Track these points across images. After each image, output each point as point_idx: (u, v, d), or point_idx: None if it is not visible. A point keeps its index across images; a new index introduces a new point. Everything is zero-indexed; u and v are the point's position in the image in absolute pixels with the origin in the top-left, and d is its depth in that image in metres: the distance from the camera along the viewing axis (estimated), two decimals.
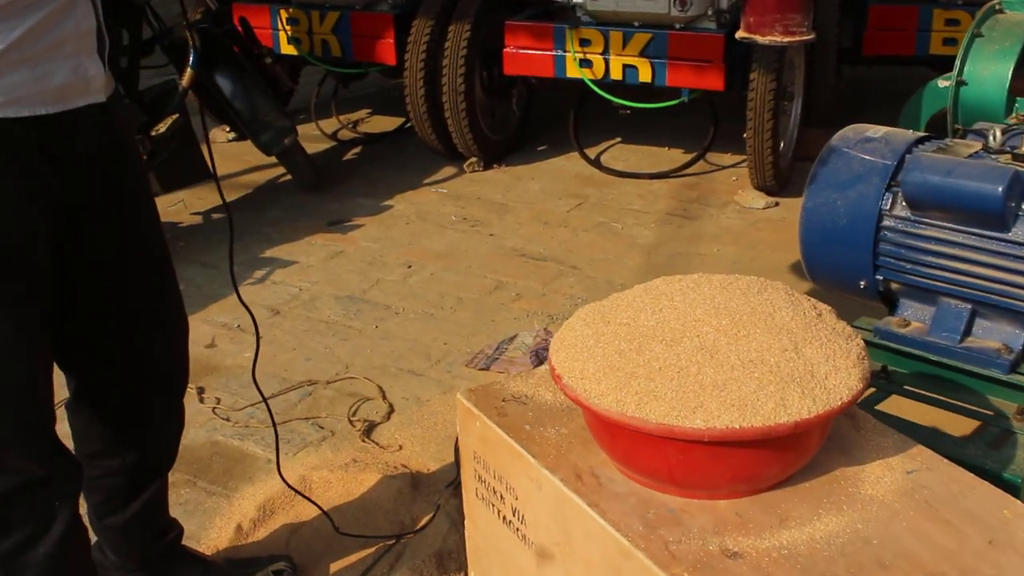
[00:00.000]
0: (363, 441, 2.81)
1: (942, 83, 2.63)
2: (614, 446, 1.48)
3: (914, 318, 2.10)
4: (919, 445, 1.58)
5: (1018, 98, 2.43)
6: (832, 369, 1.41)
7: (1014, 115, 2.42)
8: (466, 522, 1.88)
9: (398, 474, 2.66)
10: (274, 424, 2.33)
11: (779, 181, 4.36)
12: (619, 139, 5.14)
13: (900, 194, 2.02)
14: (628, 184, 4.65)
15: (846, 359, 1.44)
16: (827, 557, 1.35)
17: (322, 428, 2.88)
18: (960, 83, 2.45)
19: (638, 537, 1.39)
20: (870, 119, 2.44)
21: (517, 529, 1.67)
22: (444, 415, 2.94)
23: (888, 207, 2.03)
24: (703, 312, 1.47)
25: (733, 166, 4.78)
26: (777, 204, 4.36)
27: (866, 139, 2.09)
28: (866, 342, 2.15)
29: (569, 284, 3.72)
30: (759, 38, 3.78)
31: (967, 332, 2.02)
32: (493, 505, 1.73)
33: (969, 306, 2.01)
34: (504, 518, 1.71)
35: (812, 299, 1.59)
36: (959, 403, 2.03)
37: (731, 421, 1.33)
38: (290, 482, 2.62)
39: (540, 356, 3.21)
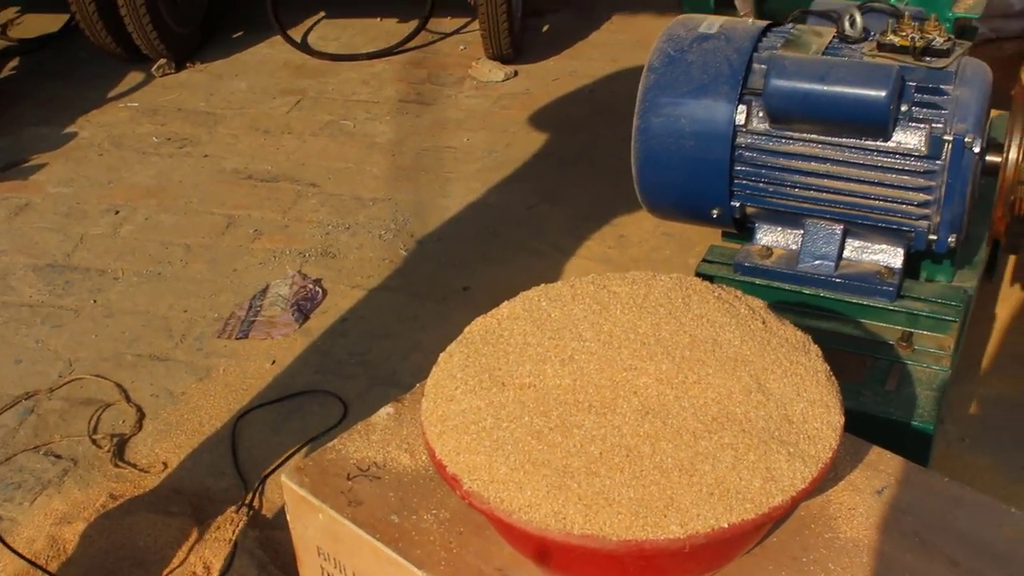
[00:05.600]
0: (116, 466, 2.27)
1: None
2: (544, 560, 1.09)
3: (776, 244, 1.81)
4: (872, 446, 1.30)
5: None
6: (808, 405, 1.08)
7: None
8: None
9: (173, 505, 2.16)
10: None
11: (515, 47, 3.97)
12: (323, 14, 4.55)
13: (756, 105, 1.69)
14: (347, 69, 4.12)
15: (816, 384, 1.11)
16: None
17: (59, 457, 2.31)
18: None
19: None
20: None
21: None
22: (208, 410, 2.43)
23: (743, 122, 1.70)
24: (631, 353, 1.09)
25: (458, 31, 4.33)
26: (516, 74, 3.97)
27: (701, 37, 1.73)
28: (724, 279, 1.85)
29: (313, 207, 3.21)
30: None
31: (839, 255, 1.76)
32: None
33: (841, 226, 1.74)
34: None
35: (736, 291, 1.24)
36: (833, 334, 1.78)
37: (716, 518, 0.98)
38: (36, 545, 2.09)
39: (304, 309, 2.74)
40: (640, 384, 1.06)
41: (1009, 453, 2.19)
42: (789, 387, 1.09)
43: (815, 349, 1.16)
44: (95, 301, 2.84)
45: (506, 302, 1.23)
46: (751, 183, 1.73)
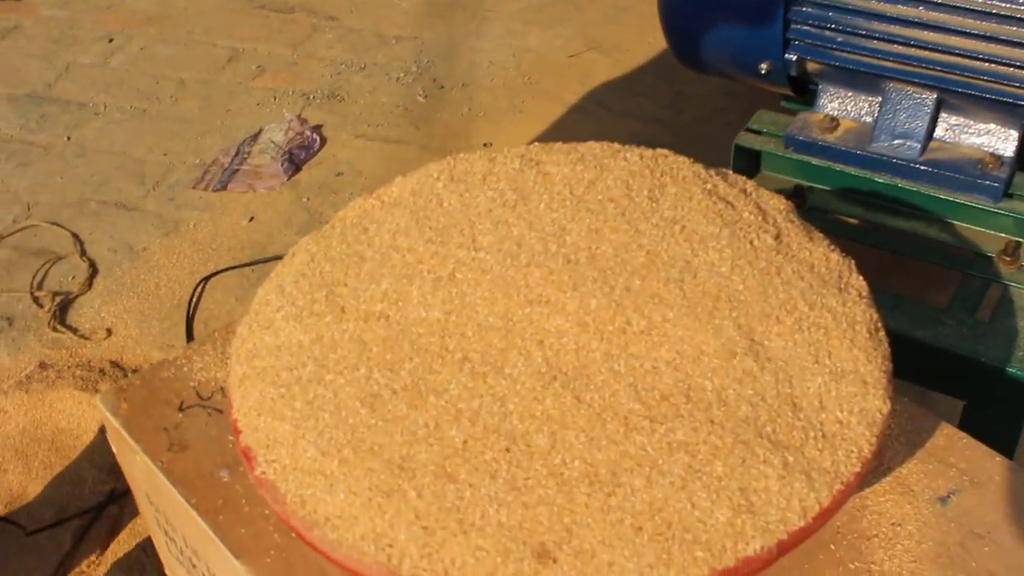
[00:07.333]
0: (55, 330, 1.95)
1: None
2: None
3: (845, 114, 1.35)
4: (940, 423, 0.87)
5: None
6: (830, 379, 0.66)
7: None
8: (166, 570, 1.12)
9: (106, 381, 1.84)
10: None
11: None
12: None
13: None
14: None
15: (849, 344, 0.68)
16: None
17: None
18: None
19: None
20: None
21: None
22: (168, 270, 2.09)
23: None
24: (545, 275, 0.67)
25: None
26: None
27: None
28: (772, 156, 1.41)
29: (327, 43, 2.79)
30: None
31: (929, 134, 1.30)
32: (195, 566, 0.97)
33: (934, 95, 1.27)
34: None
35: (746, 181, 0.81)
36: (912, 238, 1.33)
37: (640, 573, 0.58)
38: None
39: (296, 159, 2.35)
40: (551, 328, 0.65)
41: None
42: (803, 348, 0.67)
43: (858, 284, 0.74)
44: (69, 138, 2.50)
45: (399, 177, 0.83)
46: (812, 29, 1.27)
